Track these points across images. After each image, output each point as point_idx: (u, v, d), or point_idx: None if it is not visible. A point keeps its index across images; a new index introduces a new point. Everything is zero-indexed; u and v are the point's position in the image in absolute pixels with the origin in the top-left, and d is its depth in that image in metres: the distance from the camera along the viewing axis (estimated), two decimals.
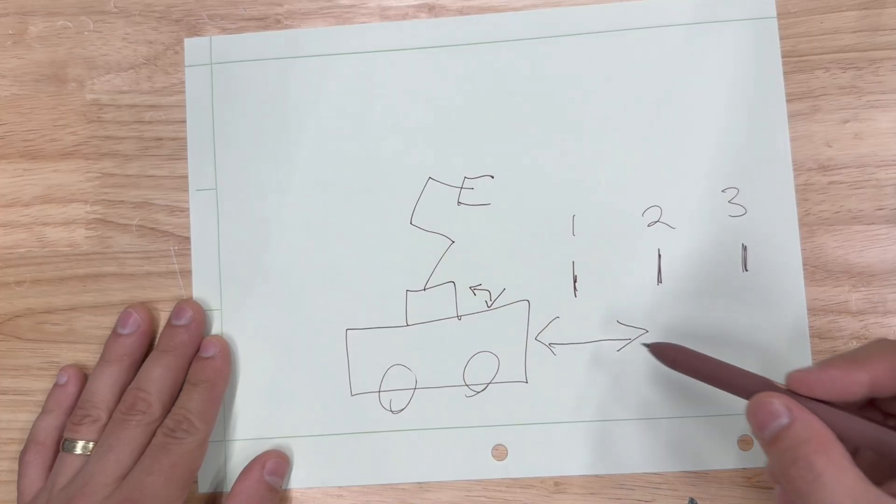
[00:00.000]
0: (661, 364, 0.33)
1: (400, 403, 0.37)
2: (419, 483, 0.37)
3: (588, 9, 0.38)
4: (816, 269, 0.36)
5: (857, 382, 0.28)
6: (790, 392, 0.29)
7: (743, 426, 0.36)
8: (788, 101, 0.37)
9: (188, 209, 0.39)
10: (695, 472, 0.36)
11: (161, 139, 0.39)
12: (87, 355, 0.38)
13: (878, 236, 0.36)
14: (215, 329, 0.38)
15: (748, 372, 0.31)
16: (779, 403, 0.28)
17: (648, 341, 0.34)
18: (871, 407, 0.30)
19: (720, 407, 0.36)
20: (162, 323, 0.38)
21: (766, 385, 0.30)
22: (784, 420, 0.28)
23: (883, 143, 0.37)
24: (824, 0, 0.37)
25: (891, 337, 0.36)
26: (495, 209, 0.38)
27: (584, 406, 0.37)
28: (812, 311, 0.36)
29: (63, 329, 0.39)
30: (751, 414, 0.29)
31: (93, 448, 0.35)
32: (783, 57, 0.37)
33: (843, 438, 0.27)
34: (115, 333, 0.37)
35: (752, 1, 0.37)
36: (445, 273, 0.38)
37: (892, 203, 0.37)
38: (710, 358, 0.32)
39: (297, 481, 0.37)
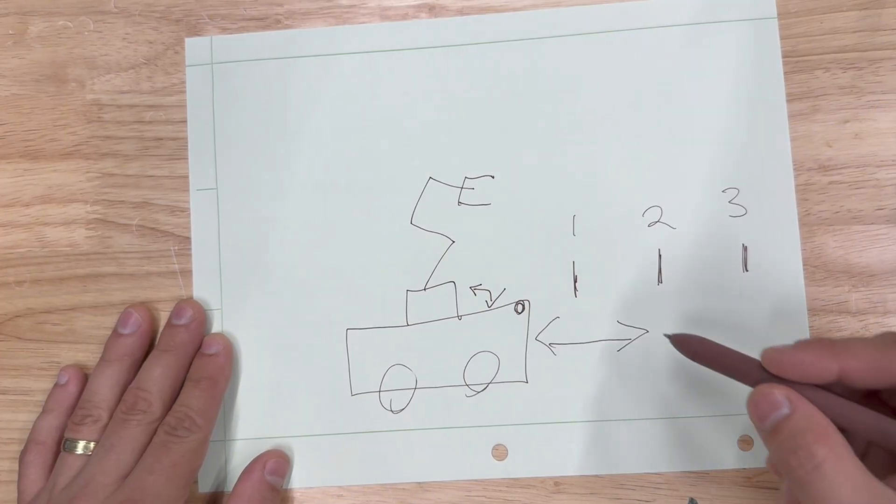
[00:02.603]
0: (682, 356, 0.33)
1: (400, 403, 0.37)
2: (419, 483, 0.37)
3: (588, 9, 0.38)
4: (816, 269, 0.36)
5: (827, 370, 0.28)
6: (793, 383, 0.29)
7: (743, 426, 0.36)
8: (788, 101, 0.37)
9: (188, 209, 0.39)
10: (695, 472, 0.36)
11: (161, 139, 0.39)
12: (87, 355, 0.38)
13: (878, 236, 0.36)
14: (215, 329, 0.38)
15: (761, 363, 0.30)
16: (780, 394, 0.28)
17: (670, 332, 0.34)
18: (876, 398, 0.31)
19: (720, 407, 0.36)
20: (162, 323, 0.38)
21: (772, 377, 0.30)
22: (784, 410, 0.28)
23: (883, 143, 0.37)
24: (824, 0, 0.37)
25: None
26: (495, 209, 0.38)
27: (584, 406, 0.37)
28: (812, 311, 0.36)
29: (63, 329, 0.39)
30: (751, 405, 0.29)
31: (94, 448, 0.35)
32: (783, 57, 0.37)
33: (844, 430, 0.27)
34: (115, 333, 0.37)
35: (752, 1, 0.37)
36: (445, 273, 0.38)
37: (892, 203, 0.37)
38: (730, 349, 0.32)
39: (297, 481, 0.37)
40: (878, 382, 0.28)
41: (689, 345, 0.32)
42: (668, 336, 0.33)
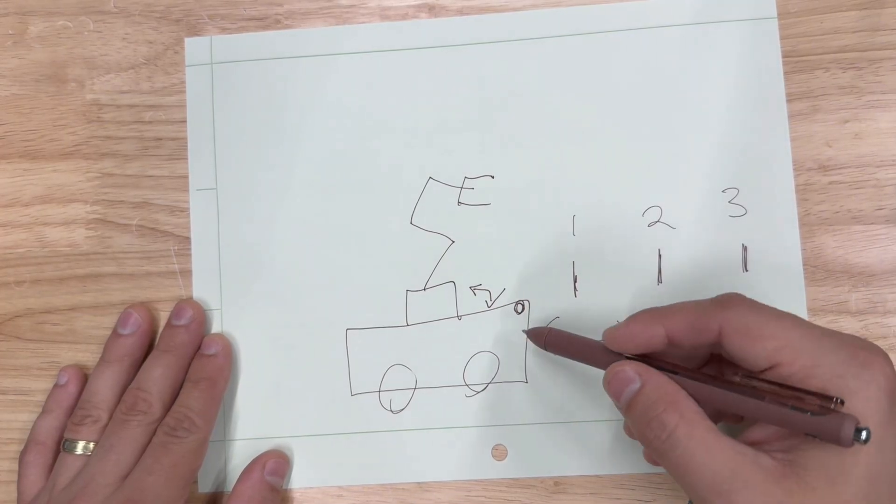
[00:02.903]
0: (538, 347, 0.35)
1: (400, 403, 0.37)
2: (419, 483, 0.37)
3: (588, 9, 0.38)
4: (816, 269, 0.36)
5: (656, 335, 0.30)
6: (645, 359, 0.30)
7: (743, 426, 0.36)
8: (788, 101, 0.37)
9: (188, 209, 0.39)
10: None
11: (161, 139, 0.39)
12: (87, 355, 0.38)
13: (878, 236, 0.36)
14: (215, 329, 0.38)
15: (609, 348, 0.32)
16: (630, 370, 0.30)
17: (526, 328, 0.36)
18: (721, 362, 0.32)
19: None
20: (162, 323, 0.38)
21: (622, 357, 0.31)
22: (636, 385, 0.29)
23: (883, 143, 0.37)
24: (824, 0, 0.37)
25: (890, 338, 0.36)
26: (495, 209, 0.38)
27: (584, 406, 0.37)
28: (812, 311, 0.36)
29: (63, 329, 0.39)
30: (607, 383, 0.30)
31: (93, 448, 0.35)
32: (783, 57, 0.37)
33: (702, 402, 0.29)
34: (115, 333, 0.37)
35: (752, 1, 0.37)
36: (445, 273, 0.38)
37: (892, 203, 0.37)
38: (578, 336, 0.34)
39: (297, 481, 0.37)
40: (699, 339, 0.29)
41: (540, 336, 0.35)
42: (525, 332, 0.36)
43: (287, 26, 0.39)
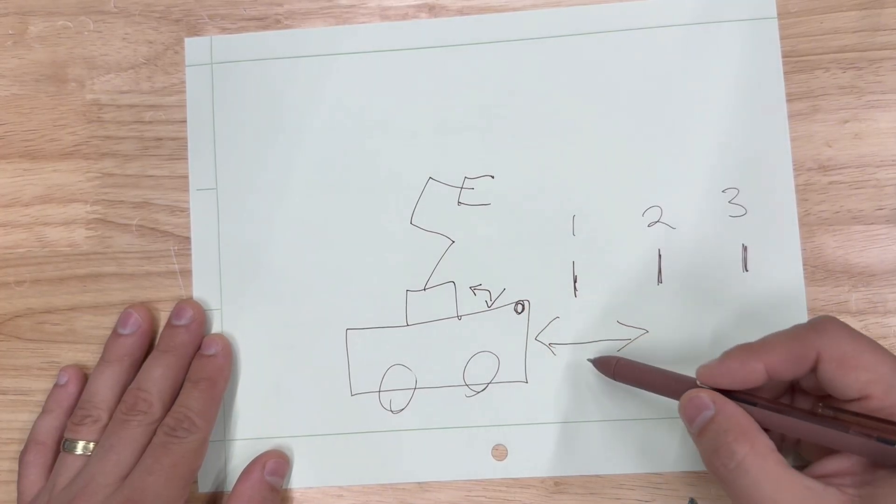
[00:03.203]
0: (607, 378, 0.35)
1: (400, 403, 0.37)
2: (419, 483, 0.37)
3: (588, 9, 0.38)
4: (816, 269, 0.36)
5: (754, 371, 0.29)
6: (721, 390, 0.30)
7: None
8: (788, 101, 0.37)
9: (188, 209, 0.39)
10: (695, 472, 0.36)
11: (161, 139, 0.39)
12: (87, 355, 0.38)
13: (878, 236, 0.36)
14: (215, 329, 0.38)
15: (683, 375, 0.32)
16: (706, 397, 0.30)
17: (591, 357, 0.36)
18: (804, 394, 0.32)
19: None
20: (162, 323, 0.38)
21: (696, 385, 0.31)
22: (710, 412, 0.29)
23: (883, 143, 0.37)
24: (824, 0, 0.37)
25: (890, 338, 0.36)
26: (495, 209, 0.38)
27: (583, 406, 0.37)
28: (812, 311, 0.36)
29: (63, 329, 0.39)
30: (682, 410, 0.30)
31: (93, 448, 0.35)
32: (783, 57, 0.37)
33: (773, 431, 0.29)
34: (115, 333, 0.37)
35: (752, 1, 0.37)
36: (445, 273, 0.38)
37: (892, 203, 0.37)
38: (648, 366, 0.34)
39: (297, 481, 0.37)
40: (799, 370, 0.29)
41: (608, 366, 0.35)
42: (591, 360, 0.36)
43: (287, 26, 0.39)
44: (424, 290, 0.38)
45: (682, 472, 0.36)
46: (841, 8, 0.37)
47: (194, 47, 0.39)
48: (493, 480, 0.37)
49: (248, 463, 0.36)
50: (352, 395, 0.37)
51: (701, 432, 0.29)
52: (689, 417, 0.30)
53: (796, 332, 0.30)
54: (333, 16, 0.39)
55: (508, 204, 0.38)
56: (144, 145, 0.39)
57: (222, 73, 0.39)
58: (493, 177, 0.38)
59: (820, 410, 0.29)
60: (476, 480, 0.37)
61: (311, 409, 0.37)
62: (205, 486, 0.37)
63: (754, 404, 0.29)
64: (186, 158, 0.39)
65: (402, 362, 0.37)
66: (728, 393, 0.30)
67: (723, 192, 0.37)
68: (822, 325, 0.29)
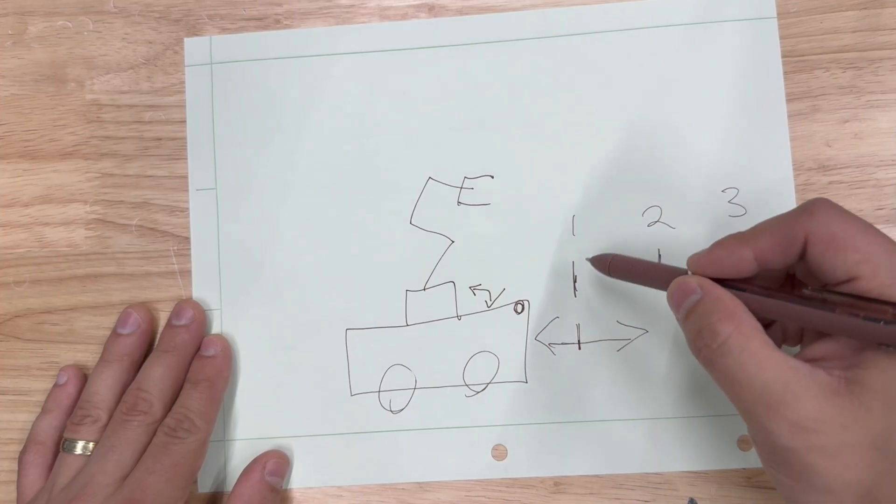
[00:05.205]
0: (604, 276, 0.35)
1: (400, 403, 0.37)
2: (419, 483, 0.37)
3: (588, 9, 0.38)
4: None
5: (743, 259, 0.29)
6: (719, 281, 0.30)
7: (742, 426, 0.36)
8: (788, 101, 0.37)
9: (188, 209, 0.39)
10: (695, 472, 0.36)
11: (161, 139, 0.39)
12: (86, 355, 0.38)
13: None
14: (215, 329, 0.38)
15: (676, 267, 0.32)
16: (693, 281, 0.29)
17: (589, 256, 0.36)
18: (794, 283, 0.31)
19: (720, 407, 0.36)
20: (162, 323, 0.38)
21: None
22: (696, 296, 0.29)
23: (883, 143, 0.37)
24: (824, 0, 0.37)
25: None
26: (495, 209, 0.38)
27: (583, 406, 0.37)
28: None
29: (63, 329, 0.39)
30: (670, 296, 0.30)
31: (93, 448, 0.35)
32: (783, 57, 0.37)
33: (764, 316, 0.28)
34: (114, 333, 0.37)
35: (752, 1, 0.37)
36: (445, 273, 0.38)
37: (892, 203, 0.37)
38: (641, 260, 0.34)
39: (297, 481, 0.37)
40: (788, 255, 0.28)
41: (604, 262, 0.35)
42: (589, 259, 0.36)
43: (286, 26, 0.39)
44: (424, 290, 0.38)
45: (682, 472, 0.36)
46: (841, 8, 0.37)
47: (194, 47, 0.39)
48: (493, 480, 0.37)
49: (248, 463, 0.36)
50: (352, 395, 0.37)
51: (687, 316, 0.29)
52: (676, 303, 0.30)
53: (785, 216, 0.29)
54: (333, 16, 0.39)
55: (508, 204, 0.38)
56: (144, 145, 0.39)
57: (222, 73, 0.39)
58: (493, 177, 0.38)
59: (808, 293, 0.28)
60: (476, 480, 0.37)
61: (311, 409, 0.37)
62: (205, 486, 0.37)
63: (743, 290, 0.29)
64: (186, 158, 0.39)
65: (402, 362, 0.37)
66: (720, 282, 0.29)
67: (723, 191, 0.37)
68: (811, 206, 0.28)
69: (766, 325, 0.31)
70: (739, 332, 0.27)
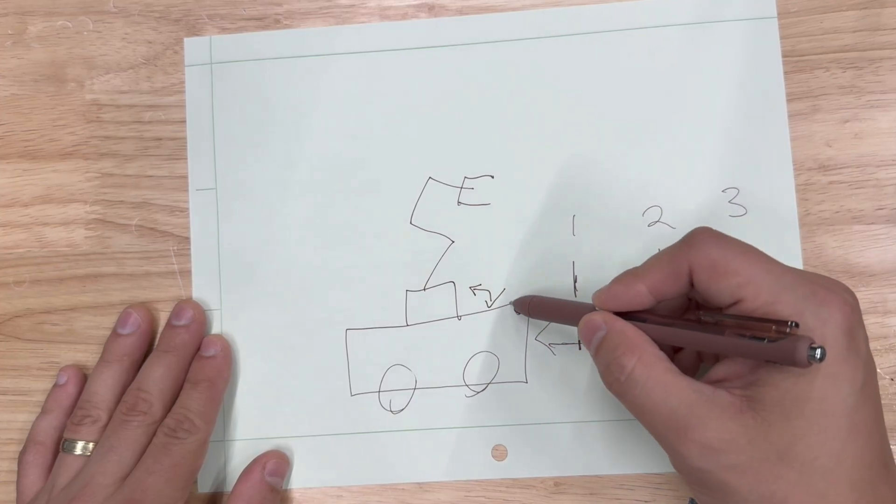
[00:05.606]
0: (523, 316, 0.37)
1: (400, 403, 0.37)
2: (419, 483, 0.37)
3: (588, 9, 0.38)
4: (816, 269, 0.36)
5: (639, 293, 0.30)
6: (625, 315, 0.31)
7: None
8: (788, 100, 0.37)
9: (188, 209, 0.39)
10: None
11: (160, 139, 0.39)
12: (86, 355, 0.38)
13: (878, 236, 0.36)
14: (215, 329, 0.38)
15: (586, 303, 0.33)
16: (598, 318, 0.31)
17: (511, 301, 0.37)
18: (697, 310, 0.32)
19: None
20: (162, 323, 0.38)
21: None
22: (602, 332, 0.30)
23: (883, 143, 0.37)
24: (824, 0, 0.37)
25: (891, 338, 0.36)
26: (495, 209, 0.38)
27: (584, 406, 0.37)
28: None
29: (62, 329, 0.39)
30: (580, 333, 0.31)
31: (93, 448, 0.35)
32: (783, 57, 0.37)
33: (668, 344, 0.30)
34: (114, 333, 0.37)
35: (752, 1, 0.37)
36: (445, 273, 0.38)
37: (892, 203, 0.37)
38: (557, 299, 0.35)
39: (297, 481, 0.37)
40: (678, 285, 0.30)
41: (524, 305, 0.36)
42: (511, 303, 0.37)
43: (286, 26, 0.39)
44: (424, 290, 0.38)
45: None
46: (841, 7, 0.37)
47: (193, 47, 0.39)
48: (493, 480, 0.37)
49: (248, 463, 0.36)
50: (352, 396, 0.37)
51: (596, 352, 0.30)
52: (585, 339, 0.31)
53: (670, 250, 0.30)
54: (333, 16, 0.39)
55: (508, 204, 0.38)
56: (144, 145, 0.39)
57: (222, 73, 0.39)
58: (493, 177, 0.38)
59: (703, 317, 0.29)
60: (476, 480, 0.37)
61: (311, 409, 0.37)
62: (205, 487, 0.37)
63: (644, 321, 0.30)
64: (186, 158, 0.39)
65: (402, 362, 0.37)
66: (625, 315, 0.31)
67: (723, 192, 0.37)
68: (691, 238, 0.30)
69: (677, 350, 0.32)
70: (642, 363, 0.29)
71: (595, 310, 0.32)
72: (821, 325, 0.27)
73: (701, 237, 0.29)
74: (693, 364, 0.33)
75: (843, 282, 0.36)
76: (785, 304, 0.27)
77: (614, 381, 0.29)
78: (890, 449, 0.28)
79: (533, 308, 0.36)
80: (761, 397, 0.27)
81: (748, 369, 0.28)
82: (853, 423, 0.26)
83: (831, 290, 0.28)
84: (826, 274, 0.36)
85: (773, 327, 0.27)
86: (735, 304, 0.28)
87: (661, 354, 0.29)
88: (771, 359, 0.26)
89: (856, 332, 0.27)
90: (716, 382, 0.29)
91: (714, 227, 0.36)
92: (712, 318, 0.29)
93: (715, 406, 0.27)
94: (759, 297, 0.27)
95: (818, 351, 0.25)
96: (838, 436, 0.26)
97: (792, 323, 0.26)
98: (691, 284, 0.29)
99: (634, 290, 0.30)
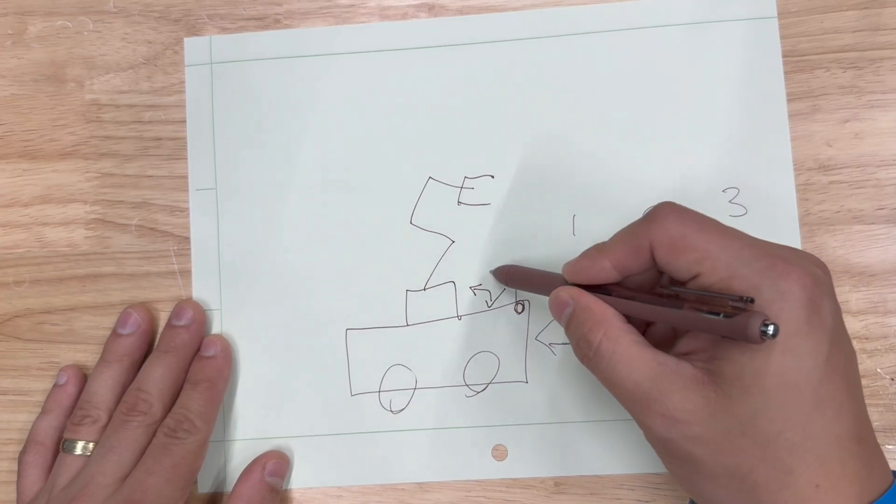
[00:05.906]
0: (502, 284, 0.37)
1: (400, 403, 0.37)
2: (419, 483, 0.37)
3: (588, 9, 0.38)
4: None
5: (604, 268, 0.30)
6: (594, 288, 0.31)
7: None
8: (788, 100, 0.37)
9: (188, 209, 0.39)
10: None
11: (160, 139, 0.39)
12: (86, 355, 0.38)
13: (878, 236, 0.36)
14: (215, 329, 0.38)
15: (558, 275, 0.33)
16: (565, 294, 0.31)
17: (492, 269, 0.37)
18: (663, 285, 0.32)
19: None
20: (162, 323, 0.38)
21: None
22: (570, 308, 0.31)
23: (883, 143, 0.37)
24: (825, 0, 0.37)
25: (891, 338, 0.36)
26: (495, 209, 0.38)
27: (583, 406, 0.37)
28: None
29: (62, 329, 0.39)
30: (551, 309, 0.32)
31: (93, 448, 0.35)
32: (783, 57, 0.37)
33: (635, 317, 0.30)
34: (114, 334, 0.37)
35: (752, 1, 0.37)
36: (445, 273, 0.38)
37: (892, 203, 0.37)
38: (533, 269, 0.35)
39: (297, 481, 0.37)
40: (641, 261, 0.30)
41: (502, 273, 0.36)
42: (491, 272, 0.37)
43: (286, 26, 0.39)
44: (424, 290, 0.38)
45: None
46: (841, 7, 0.37)
47: (193, 47, 0.39)
48: (493, 480, 0.37)
49: (248, 463, 0.36)
50: (352, 396, 0.37)
51: (566, 327, 0.31)
52: (556, 315, 0.32)
53: (633, 226, 0.30)
54: (333, 15, 0.39)
55: (508, 204, 0.38)
56: (144, 145, 0.39)
57: (221, 72, 0.39)
58: (493, 177, 0.38)
59: (663, 291, 0.29)
60: (476, 480, 0.37)
61: (311, 409, 0.37)
62: (205, 487, 0.37)
63: (609, 293, 0.30)
64: (186, 158, 0.39)
65: (402, 362, 0.37)
66: (592, 288, 0.31)
67: (723, 191, 0.37)
68: (653, 213, 0.30)
69: (651, 323, 0.32)
70: (608, 338, 0.29)
71: (566, 283, 0.32)
72: (778, 298, 0.26)
73: (662, 213, 0.29)
74: (669, 336, 0.32)
75: (844, 282, 0.36)
76: (741, 279, 0.27)
77: (584, 355, 0.30)
78: (867, 423, 0.28)
79: (510, 276, 0.36)
80: (722, 371, 0.27)
81: (710, 343, 0.28)
82: (819, 397, 0.26)
83: (791, 262, 0.27)
84: None
85: (730, 303, 0.27)
86: (693, 279, 0.28)
87: (628, 327, 0.29)
88: (725, 334, 0.26)
89: (819, 305, 0.27)
90: (682, 355, 0.29)
91: None
92: (672, 291, 0.29)
93: (678, 378, 0.28)
94: (716, 272, 0.27)
95: (771, 327, 0.25)
96: (802, 409, 0.26)
97: (747, 298, 0.26)
98: (653, 260, 0.29)
99: (599, 266, 0.30)
